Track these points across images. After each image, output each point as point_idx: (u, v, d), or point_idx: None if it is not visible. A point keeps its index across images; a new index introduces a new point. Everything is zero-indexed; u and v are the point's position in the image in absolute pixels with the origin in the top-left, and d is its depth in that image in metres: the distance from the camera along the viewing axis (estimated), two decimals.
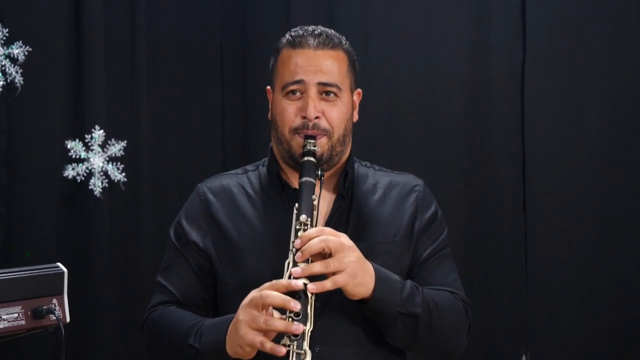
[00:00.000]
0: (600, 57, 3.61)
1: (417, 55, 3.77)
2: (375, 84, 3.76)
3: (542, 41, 3.66)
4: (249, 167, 2.33)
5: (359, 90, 2.29)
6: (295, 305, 1.90)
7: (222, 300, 2.22)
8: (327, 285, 1.96)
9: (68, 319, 2.13)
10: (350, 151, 2.28)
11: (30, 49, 3.40)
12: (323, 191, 2.17)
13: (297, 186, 2.17)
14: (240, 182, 2.27)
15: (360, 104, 2.33)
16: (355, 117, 2.28)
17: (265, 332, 1.91)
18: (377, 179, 2.30)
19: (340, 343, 2.10)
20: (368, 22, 3.81)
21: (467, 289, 3.53)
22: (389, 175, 2.33)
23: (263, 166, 2.30)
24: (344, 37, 2.24)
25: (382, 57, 3.79)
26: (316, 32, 2.19)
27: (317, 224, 2.10)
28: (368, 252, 2.10)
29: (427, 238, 2.25)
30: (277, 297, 1.90)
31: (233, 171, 2.34)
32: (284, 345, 1.89)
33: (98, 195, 3.54)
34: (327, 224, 2.18)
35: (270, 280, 2.05)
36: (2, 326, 1.99)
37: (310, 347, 1.95)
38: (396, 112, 3.78)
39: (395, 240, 2.20)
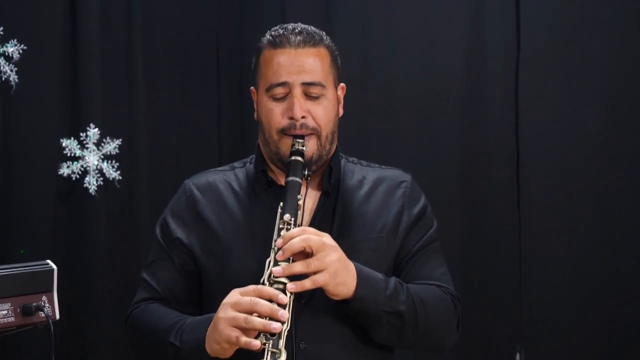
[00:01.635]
0: (595, 56, 3.62)
1: (412, 54, 3.78)
2: (371, 83, 3.77)
3: (537, 40, 3.67)
4: (236, 164, 2.32)
5: (343, 84, 2.27)
6: (283, 315, 1.90)
7: (206, 297, 2.22)
8: (307, 284, 1.97)
9: (58, 316, 2.14)
10: (337, 147, 2.27)
11: (25, 47, 3.41)
12: (309, 188, 2.17)
13: (283, 183, 2.17)
14: (226, 178, 2.27)
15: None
16: (341, 112, 2.26)
17: (244, 331, 1.92)
18: (364, 174, 2.29)
19: (326, 339, 2.10)
20: (364, 21, 3.81)
21: (463, 287, 3.60)
22: (376, 171, 2.32)
23: (250, 163, 2.29)
24: (324, 33, 2.23)
25: (378, 57, 3.79)
26: (296, 30, 2.17)
27: (303, 221, 2.11)
28: (353, 249, 2.11)
29: (416, 232, 2.24)
30: (266, 305, 1.91)
31: (220, 168, 2.33)
32: (261, 343, 1.90)
33: (93, 194, 3.54)
34: (312, 220, 2.18)
35: (256, 277, 2.05)
36: None
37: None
38: (391, 111, 3.78)
39: (380, 236, 2.19)
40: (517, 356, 3.65)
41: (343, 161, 2.29)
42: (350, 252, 2.08)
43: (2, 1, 3.39)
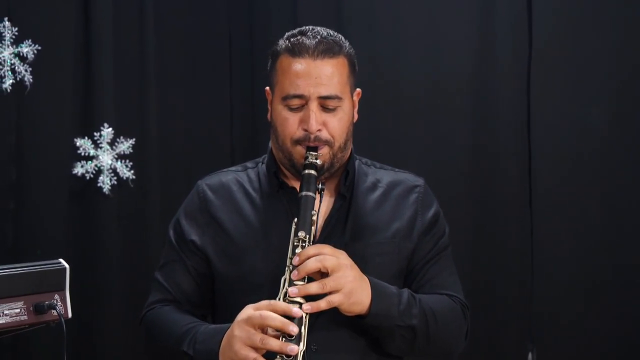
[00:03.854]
0: (606, 54, 3.61)
1: (422, 53, 3.78)
2: (381, 82, 3.77)
3: (548, 39, 3.66)
4: (248, 164, 2.32)
5: (359, 90, 2.25)
6: (294, 329, 1.91)
7: (219, 298, 2.23)
8: (322, 305, 1.98)
9: (70, 315, 2.15)
10: (351, 150, 2.26)
11: (39, 48, 3.44)
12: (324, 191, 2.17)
13: (294, 185, 2.19)
14: (239, 179, 2.27)
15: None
16: (355, 117, 2.24)
17: (258, 349, 1.92)
18: (378, 177, 2.29)
19: (337, 343, 2.11)
20: (375, 21, 3.81)
21: (474, 286, 3.60)
22: (389, 174, 2.31)
23: (262, 163, 2.29)
24: (343, 39, 2.19)
25: (388, 56, 3.79)
26: (316, 38, 2.13)
27: (317, 227, 2.11)
28: (365, 253, 2.12)
29: (429, 240, 2.24)
30: (277, 319, 1.92)
31: (233, 168, 2.33)
32: None
33: (107, 193, 3.57)
34: (326, 224, 2.18)
35: (269, 278, 2.08)
36: (4, 321, 2.02)
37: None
38: (402, 110, 3.78)
39: (393, 240, 2.19)
40: (529, 356, 3.65)
41: (357, 163, 2.29)
42: (363, 256, 2.10)
43: (17, 2, 3.42)
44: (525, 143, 3.69)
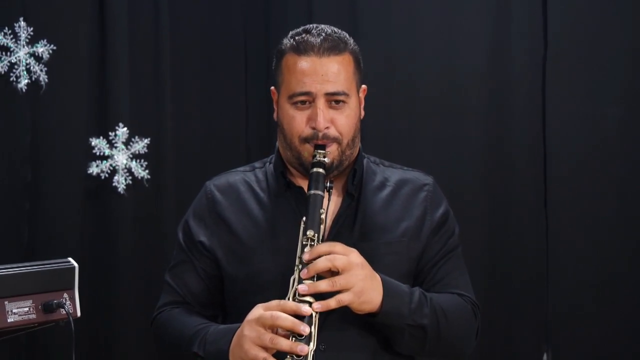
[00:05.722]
0: (621, 52, 3.59)
1: (437, 53, 3.76)
2: (396, 81, 3.76)
3: (563, 38, 3.65)
4: (256, 164, 2.32)
5: (364, 86, 2.24)
6: (305, 329, 1.91)
7: (229, 299, 2.23)
8: (332, 304, 1.97)
9: (79, 314, 2.15)
10: (360, 148, 2.25)
11: (54, 48, 3.46)
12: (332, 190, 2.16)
13: (302, 185, 2.18)
14: (247, 179, 2.27)
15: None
16: (362, 114, 2.24)
17: (268, 349, 1.93)
18: (386, 176, 2.27)
19: (347, 342, 2.10)
20: (389, 19, 3.80)
21: (489, 286, 3.58)
22: (398, 172, 2.30)
23: (270, 164, 2.29)
24: (347, 36, 2.19)
25: (403, 55, 3.78)
26: (321, 35, 2.13)
27: (326, 226, 2.10)
28: (374, 253, 2.11)
29: (438, 239, 2.23)
30: (288, 319, 1.92)
31: (241, 168, 2.33)
32: None
33: (122, 192, 3.58)
34: (335, 224, 2.17)
35: (278, 277, 2.08)
36: (12, 320, 2.02)
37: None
38: (416, 109, 3.77)
39: (402, 240, 2.18)
40: (545, 356, 3.63)
41: (365, 161, 2.28)
42: (371, 255, 2.08)
43: (32, 2, 3.44)
44: (540, 141, 3.67)
